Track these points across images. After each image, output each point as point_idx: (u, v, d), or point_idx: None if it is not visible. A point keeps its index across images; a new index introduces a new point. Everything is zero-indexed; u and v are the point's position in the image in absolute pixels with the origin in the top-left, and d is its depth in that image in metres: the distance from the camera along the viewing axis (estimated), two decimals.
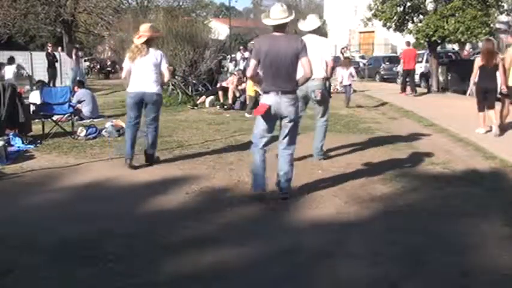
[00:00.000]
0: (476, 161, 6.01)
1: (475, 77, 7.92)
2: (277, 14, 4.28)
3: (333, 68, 6.04)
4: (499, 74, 7.78)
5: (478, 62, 7.87)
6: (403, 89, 15.30)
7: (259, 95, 10.61)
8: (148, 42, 5.63)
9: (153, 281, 2.97)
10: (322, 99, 5.81)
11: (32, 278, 3.03)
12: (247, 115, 10.26)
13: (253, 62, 4.33)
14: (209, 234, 3.69)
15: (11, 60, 16.67)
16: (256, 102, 10.47)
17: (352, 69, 12.53)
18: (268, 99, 4.29)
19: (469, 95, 8.46)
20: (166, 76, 5.82)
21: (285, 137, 4.43)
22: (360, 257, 3.30)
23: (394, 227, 3.83)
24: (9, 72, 16.17)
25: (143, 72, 5.59)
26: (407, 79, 15.26)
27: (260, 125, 4.43)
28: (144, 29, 5.68)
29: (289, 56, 4.21)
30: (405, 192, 4.74)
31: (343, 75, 12.34)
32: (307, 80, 4.43)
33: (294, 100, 4.31)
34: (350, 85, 12.27)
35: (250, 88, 10.85)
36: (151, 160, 5.84)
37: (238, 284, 2.97)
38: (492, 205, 4.34)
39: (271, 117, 4.36)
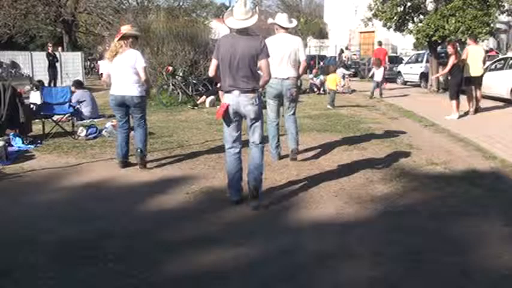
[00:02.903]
0: (476, 161, 6.00)
1: (449, 72, 9.95)
2: (240, 15, 4.17)
3: (307, 68, 6.04)
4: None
5: (453, 60, 9.70)
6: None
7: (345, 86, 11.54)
8: (127, 41, 5.47)
9: (153, 281, 2.98)
10: (296, 98, 5.93)
11: (32, 278, 3.03)
12: (329, 107, 11.66)
13: (213, 62, 4.31)
14: (209, 234, 3.69)
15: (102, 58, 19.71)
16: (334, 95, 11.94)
17: (382, 69, 14.59)
18: (227, 99, 4.24)
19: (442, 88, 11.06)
20: (142, 76, 5.48)
21: (253, 135, 4.38)
22: (360, 257, 3.30)
23: (394, 227, 3.83)
24: (103, 67, 19.19)
25: (121, 73, 5.46)
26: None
27: (224, 126, 4.40)
28: (124, 28, 5.57)
29: (247, 56, 4.13)
30: (405, 192, 4.74)
31: (375, 73, 14.58)
32: (266, 83, 4.42)
33: (253, 99, 4.20)
34: (381, 81, 14.54)
35: (331, 82, 12.12)
36: (143, 161, 5.65)
37: (238, 284, 2.97)
38: (492, 205, 4.33)
39: (232, 117, 4.28)
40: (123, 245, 3.49)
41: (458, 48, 10.44)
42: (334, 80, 12.21)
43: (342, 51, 25.65)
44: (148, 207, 4.37)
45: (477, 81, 10.21)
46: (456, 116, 9.53)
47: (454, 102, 9.62)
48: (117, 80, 5.53)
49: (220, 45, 4.26)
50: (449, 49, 10.02)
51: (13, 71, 17.47)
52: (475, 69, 10.00)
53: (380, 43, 18.68)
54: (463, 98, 9.97)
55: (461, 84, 9.78)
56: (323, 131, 8.28)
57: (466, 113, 9.96)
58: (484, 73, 10.48)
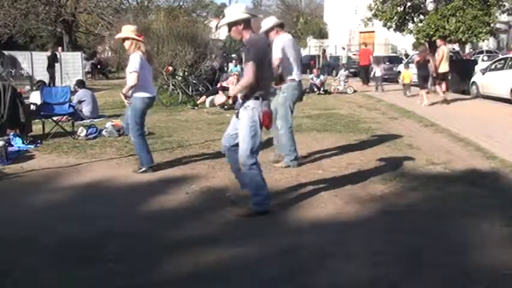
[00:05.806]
0: (476, 161, 6.00)
1: (419, 68, 12.50)
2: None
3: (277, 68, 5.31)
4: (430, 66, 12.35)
5: (416, 58, 12.61)
6: (364, 82, 18.09)
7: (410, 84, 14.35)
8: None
9: (153, 281, 2.98)
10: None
11: (32, 278, 3.03)
12: (408, 93, 14.01)
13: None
14: (209, 234, 3.69)
15: (91, 57, 24.36)
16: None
17: (382, 66, 16.92)
18: (261, 105, 4.00)
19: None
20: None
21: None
22: (360, 257, 3.29)
23: (394, 227, 3.83)
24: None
25: (150, 74, 5.51)
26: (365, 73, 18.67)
27: (257, 136, 4.03)
28: (131, 29, 5.42)
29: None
30: (405, 192, 4.74)
31: (375, 69, 16.56)
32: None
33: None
34: (381, 76, 16.41)
35: (407, 76, 14.23)
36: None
37: (238, 284, 2.97)
38: (492, 205, 4.33)
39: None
40: (123, 244, 3.49)
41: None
42: (408, 75, 14.46)
43: (324, 50, 25.77)
44: (149, 207, 4.37)
45: (447, 76, 12.56)
46: (427, 102, 11.66)
47: (424, 91, 11.94)
48: (149, 81, 5.51)
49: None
50: (422, 48, 13.03)
51: (13, 71, 17.46)
52: (445, 66, 12.15)
53: (365, 44, 20.06)
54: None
55: (428, 77, 12.23)
56: (323, 130, 8.28)
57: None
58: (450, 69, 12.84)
